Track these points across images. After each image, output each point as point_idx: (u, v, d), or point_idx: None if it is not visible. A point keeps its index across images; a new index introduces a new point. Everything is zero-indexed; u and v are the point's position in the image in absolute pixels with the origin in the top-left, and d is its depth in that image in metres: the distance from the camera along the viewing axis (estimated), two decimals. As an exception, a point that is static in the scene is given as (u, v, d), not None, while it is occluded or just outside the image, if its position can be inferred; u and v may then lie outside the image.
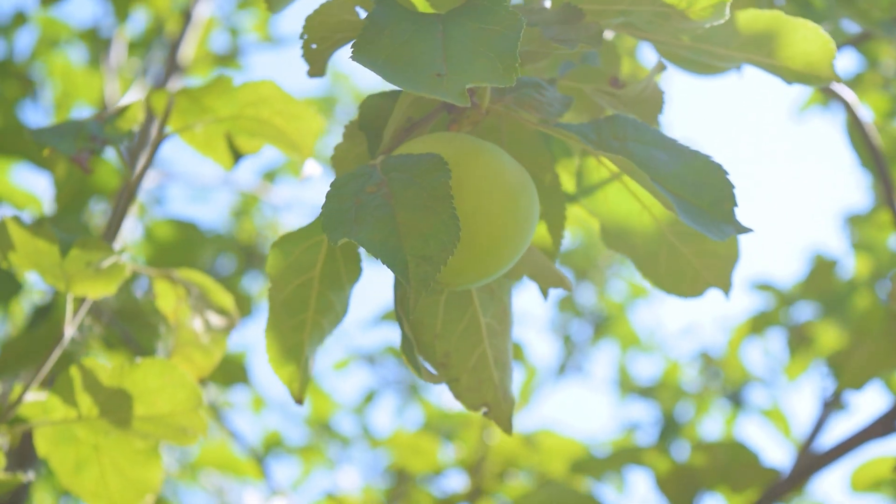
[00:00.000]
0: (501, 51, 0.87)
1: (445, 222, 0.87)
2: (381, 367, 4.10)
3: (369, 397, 4.14)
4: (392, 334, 4.02)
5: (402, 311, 1.02)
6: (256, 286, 3.98)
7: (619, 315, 4.56)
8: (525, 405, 3.84)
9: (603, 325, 4.52)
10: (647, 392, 4.05)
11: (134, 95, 3.22)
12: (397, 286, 1.03)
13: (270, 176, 4.14)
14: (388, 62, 0.88)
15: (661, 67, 1.09)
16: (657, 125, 1.13)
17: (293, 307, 1.06)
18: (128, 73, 3.46)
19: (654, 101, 1.11)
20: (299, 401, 1.07)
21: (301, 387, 1.07)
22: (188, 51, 3.12)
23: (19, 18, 3.30)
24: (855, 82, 2.25)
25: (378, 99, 1.03)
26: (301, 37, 1.03)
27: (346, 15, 1.02)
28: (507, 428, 1.07)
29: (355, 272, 1.06)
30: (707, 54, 1.14)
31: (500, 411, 1.06)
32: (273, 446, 4.04)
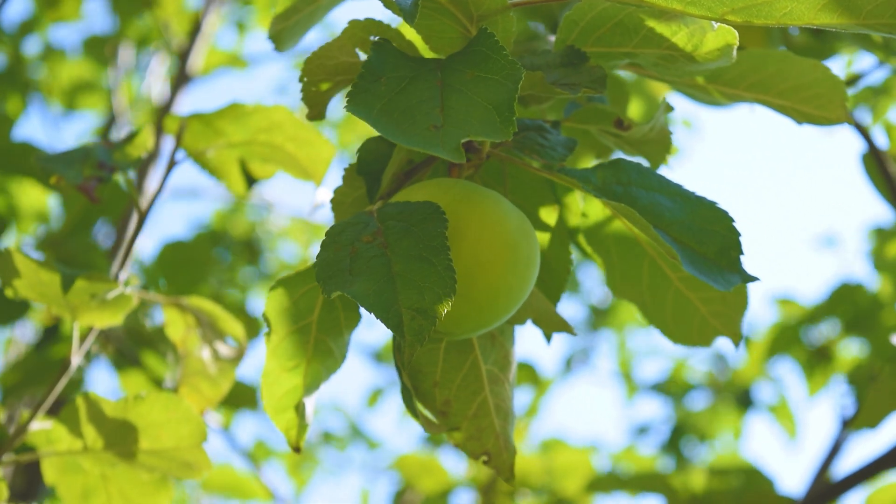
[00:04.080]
0: (498, 101, 0.85)
1: (441, 274, 0.84)
2: (387, 367, 4.06)
3: (374, 397, 4.10)
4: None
5: (400, 360, 1.00)
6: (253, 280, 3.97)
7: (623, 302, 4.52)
8: (535, 416, 3.81)
9: (606, 313, 4.47)
10: (656, 389, 4.02)
11: (142, 105, 3.22)
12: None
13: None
14: (384, 112, 0.85)
15: (668, 108, 1.07)
16: (665, 164, 1.10)
17: (290, 352, 1.03)
18: (135, 80, 3.46)
19: (662, 142, 1.09)
20: (296, 448, 1.05)
21: (298, 433, 1.05)
22: (197, 61, 3.11)
23: (25, 27, 3.30)
24: (882, 89, 2.20)
25: (376, 143, 1.01)
26: (300, 80, 1.01)
27: (345, 57, 1.00)
28: (509, 477, 1.04)
29: (354, 318, 1.04)
30: (716, 93, 1.12)
31: (501, 460, 1.04)
32: (264, 454, 4.00)
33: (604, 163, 0.99)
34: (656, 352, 4.59)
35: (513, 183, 1.09)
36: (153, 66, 3.35)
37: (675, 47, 0.97)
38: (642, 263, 1.13)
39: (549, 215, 1.11)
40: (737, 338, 1.14)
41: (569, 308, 4.52)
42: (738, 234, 0.96)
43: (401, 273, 0.85)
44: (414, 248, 0.86)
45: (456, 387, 1.04)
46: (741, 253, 0.95)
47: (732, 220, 0.97)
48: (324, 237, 0.90)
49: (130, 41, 3.31)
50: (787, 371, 3.75)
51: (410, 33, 1.02)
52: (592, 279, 4.54)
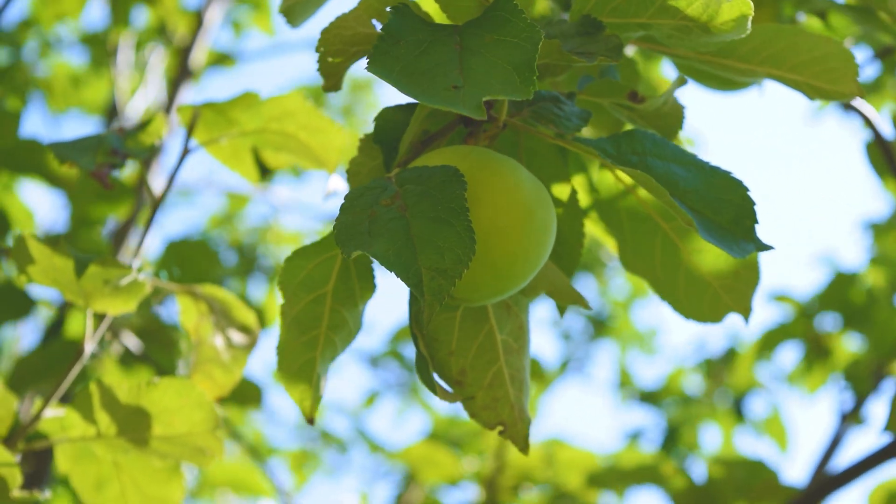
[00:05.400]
0: (518, 62, 0.85)
1: (461, 235, 0.85)
2: (383, 370, 4.07)
3: (371, 400, 4.10)
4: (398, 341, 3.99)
5: (417, 327, 1.00)
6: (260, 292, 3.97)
7: (621, 314, 4.53)
8: (534, 415, 3.81)
9: (604, 323, 4.48)
10: (649, 397, 4.03)
11: (144, 98, 3.22)
12: (413, 302, 1.01)
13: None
14: (404, 73, 0.86)
15: (681, 81, 1.07)
16: (677, 140, 1.11)
17: (305, 323, 1.04)
18: (135, 75, 3.46)
19: (674, 116, 1.09)
20: (310, 420, 1.05)
21: (312, 405, 1.05)
22: (199, 55, 3.11)
23: (25, 26, 3.30)
24: (875, 86, 2.20)
25: (393, 112, 1.01)
26: (317, 50, 1.01)
27: (362, 28, 1.01)
28: (524, 447, 1.05)
29: (369, 289, 1.04)
30: (729, 69, 1.13)
31: (516, 430, 1.04)
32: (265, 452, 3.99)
33: (619, 133, 1.00)
34: (653, 358, 4.60)
35: (528, 155, 1.10)
36: (153, 61, 3.35)
37: (689, 18, 0.97)
38: (655, 238, 1.14)
39: (562, 188, 1.11)
40: (747, 313, 1.14)
41: (566, 318, 4.53)
42: (753, 203, 0.97)
43: (419, 234, 0.85)
44: (433, 209, 0.87)
45: (471, 356, 1.04)
46: (756, 222, 0.96)
47: (747, 190, 0.97)
48: (342, 202, 0.90)
49: (130, 37, 3.31)
50: (778, 375, 3.76)
51: (427, 3, 1.02)
52: (591, 290, 4.56)
